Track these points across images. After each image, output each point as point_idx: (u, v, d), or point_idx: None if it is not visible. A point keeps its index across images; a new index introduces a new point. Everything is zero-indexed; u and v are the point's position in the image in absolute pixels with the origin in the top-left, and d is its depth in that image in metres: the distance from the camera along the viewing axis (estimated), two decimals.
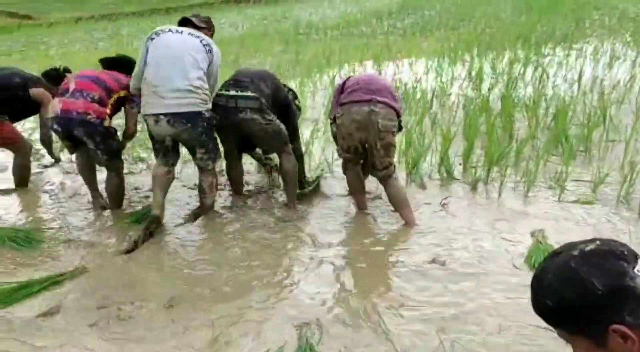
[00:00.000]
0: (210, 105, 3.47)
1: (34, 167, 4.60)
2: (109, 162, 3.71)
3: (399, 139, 4.08)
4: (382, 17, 13.58)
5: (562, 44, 9.21)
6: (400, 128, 3.49)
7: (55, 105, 3.51)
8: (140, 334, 2.48)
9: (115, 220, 3.72)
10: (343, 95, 3.46)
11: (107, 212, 3.83)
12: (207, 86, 3.44)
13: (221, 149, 3.77)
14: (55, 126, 3.54)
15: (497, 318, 2.45)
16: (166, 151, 3.56)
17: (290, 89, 4.12)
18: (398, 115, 3.39)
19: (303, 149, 4.56)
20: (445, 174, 4.20)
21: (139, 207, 3.88)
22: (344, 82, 3.56)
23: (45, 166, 4.83)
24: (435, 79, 7.03)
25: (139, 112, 3.66)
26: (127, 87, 3.68)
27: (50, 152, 4.70)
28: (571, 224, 3.37)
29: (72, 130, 3.49)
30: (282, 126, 3.69)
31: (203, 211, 3.75)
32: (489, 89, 6.30)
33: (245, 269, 3.03)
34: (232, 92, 3.52)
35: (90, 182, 3.89)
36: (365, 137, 3.34)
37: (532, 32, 10.27)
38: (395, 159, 3.49)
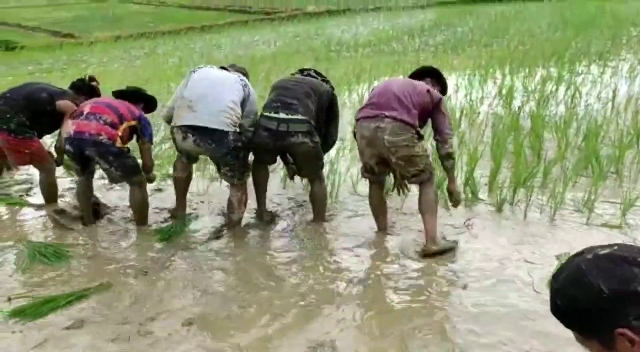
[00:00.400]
0: (237, 129, 3.55)
1: (67, 183, 4.75)
2: (124, 178, 3.83)
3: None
4: (414, 34, 13.58)
5: (597, 62, 9.02)
6: (420, 136, 3.32)
7: (69, 127, 3.65)
8: (159, 350, 2.53)
9: (140, 237, 3.80)
10: (358, 110, 3.45)
11: (132, 229, 3.92)
12: (239, 111, 3.56)
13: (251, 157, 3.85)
14: (68, 146, 3.67)
15: (520, 344, 2.41)
16: (188, 157, 3.81)
17: (328, 80, 3.99)
18: (413, 126, 3.23)
19: (327, 167, 4.61)
20: (470, 195, 4.15)
21: (165, 224, 3.96)
22: (369, 98, 3.51)
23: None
24: (465, 96, 6.97)
25: (151, 144, 3.99)
26: (138, 118, 3.84)
27: (61, 161, 4.77)
28: None
29: (84, 150, 3.62)
30: (322, 153, 3.76)
31: (230, 226, 3.81)
32: (519, 108, 6.22)
33: (267, 289, 3.05)
34: (282, 115, 3.51)
35: (85, 204, 3.99)
36: (378, 153, 3.31)
37: (566, 49, 10.10)
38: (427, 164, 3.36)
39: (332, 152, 5.12)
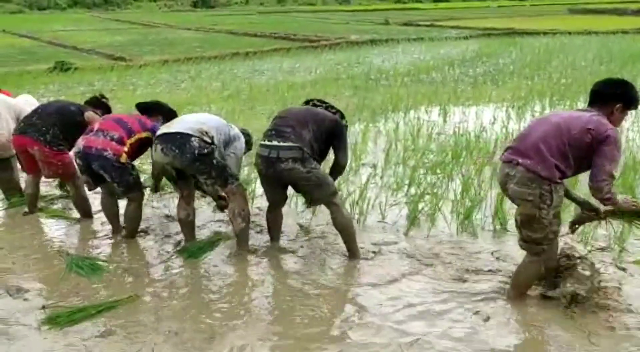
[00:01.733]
0: (206, 139, 3.60)
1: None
2: (125, 194, 4.02)
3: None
4: (455, 65, 13.58)
5: None
6: (552, 200, 2.85)
7: (79, 143, 3.90)
8: None
9: (170, 253, 3.92)
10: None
11: (162, 245, 4.05)
12: (211, 134, 3.66)
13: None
14: (77, 160, 3.94)
15: None
16: (174, 181, 3.84)
17: (337, 110, 3.94)
18: (548, 179, 2.82)
19: (357, 193, 4.66)
20: (498, 226, 4.13)
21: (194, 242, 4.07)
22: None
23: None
24: (501, 129, 6.94)
25: None
26: (151, 130, 4.01)
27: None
28: (628, 287, 3.22)
29: (90, 164, 3.86)
30: (328, 177, 3.68)
31: (238, 241, 3.84)
32: None
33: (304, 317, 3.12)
34: (275, 143, 3.56)
35: (111, 218, 4.23)
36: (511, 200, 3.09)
37: None
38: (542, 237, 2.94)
39: (363, 178, 5.20)
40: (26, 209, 4.71)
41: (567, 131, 2.81)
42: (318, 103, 3.95)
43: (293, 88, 10.75)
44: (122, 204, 4.22)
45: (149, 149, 4.00)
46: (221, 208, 4.32)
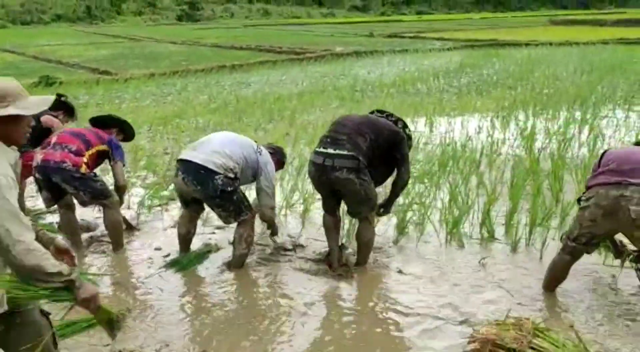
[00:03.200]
0: (230, 175, 3.55)
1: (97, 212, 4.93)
2: (94, 200, 3.98)
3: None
4: (439, 76, 13.74)
5: (621, 106, 9.03)
6: None
7: (37, 157, 3.88)
8: None
9: (160, 266, 3.91)
10: (591, 176, 3.15)
11: (154, 258, 4.04)
12: (236, 163, 3.59)
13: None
14: (37, 174, 3.88)
15: None
16: (185, 202, 3.85)
17: (398, 119, 3.85)
18: None
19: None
20: (486, 234, 4.18)
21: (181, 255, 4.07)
22: (601, 157, 3.18)
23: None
24: (487, 137, 7.04)
25: (124, 165, 4.22)
26: (107, 143, 4.06)
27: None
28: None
29: (50, 177, 3.82)
30: (374, 193, 3.62)
31: (234, 261, 3.81)
32: (540, 150, 6.26)
33: (288, 325, 3.13)
34: (330, 150, 3.49)
35: (70, 233, 4.12)
36: (616, 228, 3.02)
37: (591, 93, 10.13)
38: None
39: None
40: None
41: None
42: (378, 114, 3.85)
43: (280, 100, 10.81)
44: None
45: (106, 161, 4.11)
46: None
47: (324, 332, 3.03)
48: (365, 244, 3.76)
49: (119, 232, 4.14)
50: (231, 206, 3.62)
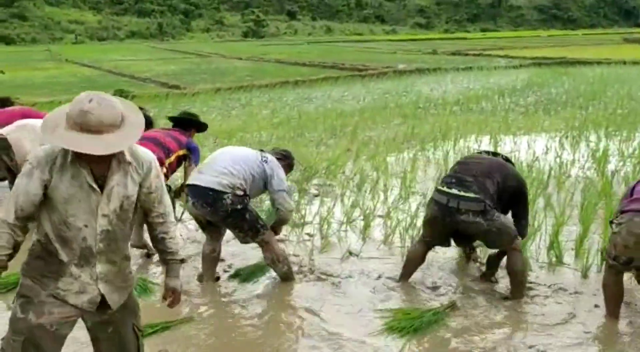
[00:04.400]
0: (238, 193, 3.49)
1: None
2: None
3: None
4: (505, 94, 13.41)
5: None
6: None
7: None
8: None
9: (221, 276, 3.99)
10: (627, 200, 3.10)
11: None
12: (244, 180, 3.53)
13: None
14: None
15: None
16: (202, 226, 3.82)
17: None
18: None
19: (407, 221, 4.63)
20: (554, 258, 4.01)
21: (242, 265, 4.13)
22: (635, 184, 3.16)
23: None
24: (555, 158, 6.79)
25: (196, 165, 4.13)
26: (186, 146, 4.09)
27: None
28: None
29: None
30: (508, 220, 3.49)
31: (283, 279, 3.80)
32: (614, 172, 5.97)
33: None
34: (454, 191, 3.38)
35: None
36: None
37: None
38: None
39: (413, 206, 5.15)
40: None
41: None
42: (501, 159, 3.74)
43: (342, 116, 10.86)
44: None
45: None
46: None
47: None
48: (518, 277, 3.49)
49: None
50: (245, 224, 3.57)
